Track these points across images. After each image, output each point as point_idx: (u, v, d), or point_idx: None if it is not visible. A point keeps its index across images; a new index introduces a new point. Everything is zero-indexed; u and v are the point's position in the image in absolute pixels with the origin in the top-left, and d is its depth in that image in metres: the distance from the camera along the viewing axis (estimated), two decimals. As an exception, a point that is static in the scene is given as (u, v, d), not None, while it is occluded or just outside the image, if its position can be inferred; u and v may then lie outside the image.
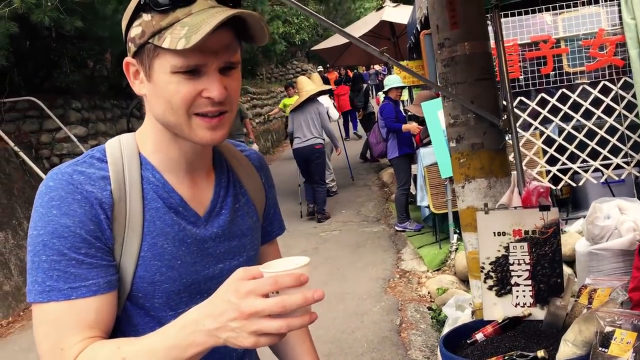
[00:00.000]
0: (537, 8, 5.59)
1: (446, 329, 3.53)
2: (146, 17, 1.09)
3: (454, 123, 3.09)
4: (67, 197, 1.08)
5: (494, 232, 2.77)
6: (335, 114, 10.40)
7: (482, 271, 2.39)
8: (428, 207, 6.56)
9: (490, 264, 2.41)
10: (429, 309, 5.13)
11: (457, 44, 3.02)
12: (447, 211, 5.93)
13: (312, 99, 8.54)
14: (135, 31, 1.11)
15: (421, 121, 7.66)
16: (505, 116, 3.00)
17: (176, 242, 1.16)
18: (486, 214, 2.79)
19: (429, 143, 6.36)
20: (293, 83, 12.61)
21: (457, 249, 5.82)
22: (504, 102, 3.00)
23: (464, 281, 5.42)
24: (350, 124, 16.56)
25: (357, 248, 7.17)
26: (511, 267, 2.39)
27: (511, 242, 2.61)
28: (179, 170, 1.21)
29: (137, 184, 1.16)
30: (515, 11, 5.63)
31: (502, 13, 5.29)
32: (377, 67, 22.08)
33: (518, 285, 2.34)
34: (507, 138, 3.08)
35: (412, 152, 7.42)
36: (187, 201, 1.20)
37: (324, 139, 8.54)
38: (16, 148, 8.05)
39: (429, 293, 5.42)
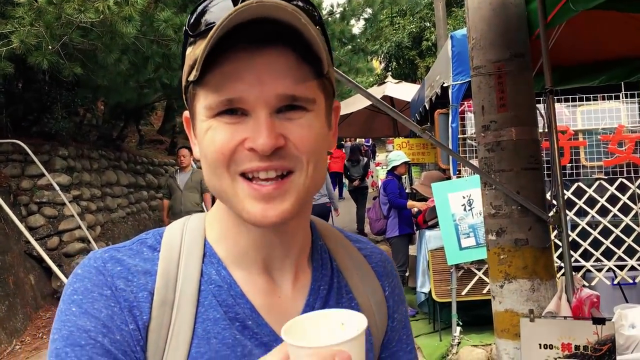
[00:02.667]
0: (555, 98, 5.45)
1: None
2: (189, 50, 0.82)
3: (496, 214, 2.79)
4: (93, 291, 0.80)
5: (540, 344, 2.51)
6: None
7: (526, 388, 2.13)
8: (425, 292, 6.20)
9: (535, 379, 2.10)
10: (430, 409, 4.67)
11: (504, 128, 2.77)
12: (451, 300, 5.56)
13: None
14: (185, 72, 0.83)
15: (421, 200, 7.42)
16: (555, 211, 2.72)
17: None
18: (531, 321, 2.52)
19: (434, 225, 6.06)
20: None
21: (459, 342, 5.42)
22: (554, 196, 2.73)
23: (468, 380, 5.01)
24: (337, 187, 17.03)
25: (347, 330, 6.68)
26: (558, 386, 2.09)
27: (559, 358, 2.36)
28: (252, 268, 0.87)
29: (192, 283, 0.84)
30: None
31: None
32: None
33: (566, 408, 2.08)
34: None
35: (412, 232, 7.14)
36: (262, 313, 0.86)
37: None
38: (-7, 192, 7.60)
39: (429, 391, 4.98)
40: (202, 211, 8.96)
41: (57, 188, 8.34)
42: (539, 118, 2.84)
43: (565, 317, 2.46)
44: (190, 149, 6.96)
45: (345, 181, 16.46)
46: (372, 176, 16.07)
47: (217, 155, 0.77)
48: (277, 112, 0.77)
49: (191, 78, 0.77)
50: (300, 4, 0.78)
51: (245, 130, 0.76)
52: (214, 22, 0.76)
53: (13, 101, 8.67)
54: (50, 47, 6.45)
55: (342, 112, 11.80)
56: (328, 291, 0.92)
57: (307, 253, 0.93)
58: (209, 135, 0.78)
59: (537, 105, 2.88)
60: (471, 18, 2.84)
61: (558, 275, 3.79)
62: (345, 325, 0.70)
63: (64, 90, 9.15)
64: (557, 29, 2.79)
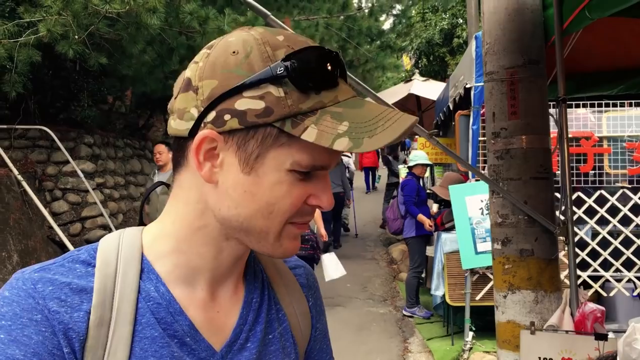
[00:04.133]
0: (581, 103, 5.33)
1: None
2: (275, 91, 0.78)
3: (502, 223, 2.74)
4: (22, 317, 0.76)
5: (540, 357, 2.47)
6: (353, 168, 13.51)
7: (522, 401, 2.10)
8: (440, 295, 6.14)
9: (532, 393, 2.05)
10: (437, 414, 4.63)
11: (515, 135, 2.71)
12: (465, 305, 5.50)
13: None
14: (250, 104, 0.78)
15: (441, 202, 7.34)
16: (563, 223, 2.66)
17: None
18: (532, 334, 2.48)
19: (452, 228, 5.99)
20: None
21: (471, 348, 5.36)
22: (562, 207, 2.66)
23: (477, 387, 4.95)
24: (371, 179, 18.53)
25: (360, 330, 6.67)
26: (556, 402, 2.04)
27: None
28: (197, 283, 0.88)
29: (129, 301, 0.82)
30: (551, 103, 5.36)
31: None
32: None
33: (563, 423, 2.04)
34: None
35: (430, 233, 7.06)
36: (200, 328, 0.86)
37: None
38: (19, 177, 7.75)
39: (437, 395, 4.93)
40: None
41: (82, 175, 8.49)
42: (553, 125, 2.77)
43: (567, 332, 2.41)
44: (167, 144, 6.69)
45: (379, 174, 18.56)
46: None
47: (290, 208, 0.83)
48: None
49: (310, 139, 0.77)
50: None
51: (310, 188, 0.83)
52: (321, 85, 0.80)
53: (41, 88, 8.81)
54: (76, 36, 6.53)
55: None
56: (260, 303, 0.95)
57: (243, 267, 0.96)
58: (284, 187, 0.81)
59: (551, 112, 2.81)
60: (486, 22, 2.78)
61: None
62: None
63: (91, 79, 9.27)
64: (574, 37, 2.71)
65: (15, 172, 7.79)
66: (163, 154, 6.90)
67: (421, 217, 6.84)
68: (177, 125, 0.84)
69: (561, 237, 2.66)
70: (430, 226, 6.61)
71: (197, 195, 0.85)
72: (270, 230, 0.83)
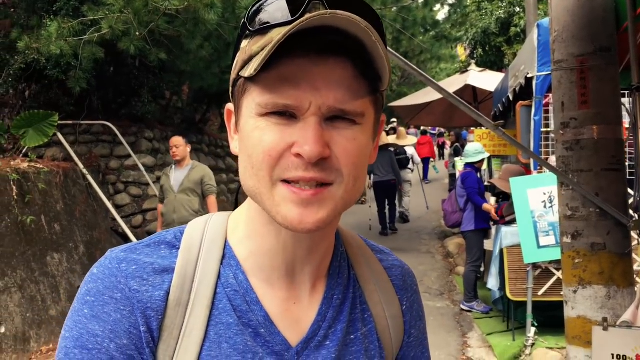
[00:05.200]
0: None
1: None
2: (244, 43, 0.80)
3: (572, 216, 2.66)
4: (105, 294, 0.79)
5: (613, 354, 2.39)
6: (418, 159, 14.05)
7: (594, 398, 2.03)
8: (500, 289, 6.01)
9: (606, 391, 2.01)
10: (499, 410, 4.55)
11: (585, 125, 2.63)
12: (527, 300, 5.37)
13: (389, 147, 11.19)
14: (235, 66, 0.82)
15: (498, 194, 7.18)
16: (638, 216, 2.57)
17: None
18: (604, 330, 2.39)
19: (512, 221, 5.86)
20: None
21: (533, 344, 5.24)
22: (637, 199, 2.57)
23: (540, 383, 4.84)
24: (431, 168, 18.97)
25: (418, 323, 6.60)
26: (630, 400, 1.99)
27: None
28: (273, 270, 0.85)
29: (209, 285, 0.83)
30: (625, 92, 5.15)
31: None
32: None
33: (636, 421, 1.96)
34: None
35: (488, 227, 6.92)
36: (275, 320, 0.84)
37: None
38: (84, 170, 8.03)
39: (498, 391, 4.84)
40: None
41: (142, 169, 8.74)
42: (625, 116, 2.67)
43: (642, 328, 2.33)
44: (184, 137, 6.46)
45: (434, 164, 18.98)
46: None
47: (264, 156, 0.75)
48: (326, 119, 0.75)
49: (246, 74, 0.75)
50: (371, 20, 0.76)
51: (293, 134, 0.74)
52: (268, 22, 0.76)
53: (104, 85, 9.10)
54: (137, 33, 6.71)
55: (421, 100, 11.65)
56: (342, 301, 0.90)
57: (328, 261, 0.91)
58: (256, 134, 0.76)
59: (623, 101, 2.71)
60: (554, 9, 2.70)
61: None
62: None
63: (150, 75, 9.51)
64: (649, 22, 2.60)
65: (81, 166, 8.07)
66: (180, 147, 6.22)
67: (487, 206, 6.70)
68: None
69: (635, 231, 2.57)
70: (496, 215, 6.45)
71: None
72: (260, 190, 0.77)
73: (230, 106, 0.86)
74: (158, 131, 9.84)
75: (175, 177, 6.19)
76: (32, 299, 6.18)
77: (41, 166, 7.15)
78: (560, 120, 2.70)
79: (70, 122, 8.48)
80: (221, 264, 0.85)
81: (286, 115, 0.75)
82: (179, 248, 0.84)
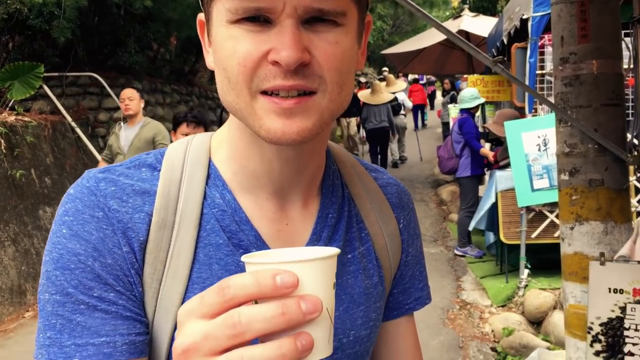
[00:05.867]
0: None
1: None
2: None
3: (570, 153, 2.63)
4: (84, 213, 0.75)
5: (609, 289, 2.41)
6: (409, 104, 14.40)
7: (589, 332, 2.11)
8: (493, 233, 6.06)
9: (601, 325, 2.11)
10: (493, 349, 4.63)
11: (585, 60, 2.56)
12: (520, 243, 5.41)
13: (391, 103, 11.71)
14: None
15: (492, 140, 7.16)
16: (636, 151, 2.54)
17: None
18: (601, 264, 2.41)
19: (506, 166, 5.85)
20: (369, 84, 13.89)
21: (526, 285, 5.30)
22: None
23: (534, 323, 4.92)
24: (419, 117, 19.05)
25: (412, 269, 6.68)
26: (626, 332, 2.07)
27: (629, 303, 2.31)
28: (261, 191, 0.82)
29: (194, 206, 0.79)
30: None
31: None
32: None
33: (633, 355, 2.00)
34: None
35: (483, 173, 6.93)
36: (267, 240, 0.81)
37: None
38: (73, 124, 7.93)
39: (492, 331, 4.92)
40: None
41: (132, 121, 8.61)
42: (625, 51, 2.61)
43: (638, 262, 2.34)
44: (138, 90, 5.92)
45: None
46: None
47: (239, 67, 0.69)
48: (304, 22, 0.69)
49: None
50: None
51: (268, 41, 0.68)
52: None
53: (89, 35, 8.87)
54: (122, -21, 6.51)
55: (413, 47, 11.49)
56: (337, 219, 0.87)
57: (318, 179, 0.87)
58: (229, 44, 0.70)
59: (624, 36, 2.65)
60: (554, -61, 2.60)
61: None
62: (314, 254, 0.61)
63: (136, 24, 9.29)
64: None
65: (69, 118, 7.96)
66: (134, 100, 5.48)
67: (484, 150, 6.70)
68: None
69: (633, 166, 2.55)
70: (493, 158, 6.44)
71: None
72: (239, 105, 0.72)
73: (201, 16, 0.80)
74: (147, 82, 9.68)
75: (126, 135, 5.46)
76: (26, 253, 6.18)
77: (29, 119, 7.04)
78: (559, 56, 2.63)
79: (56, 74, 8.31)
80: (206, 184, 0.81)
81: (259, 20, 0.69)
82: (159, 170, 0.81)
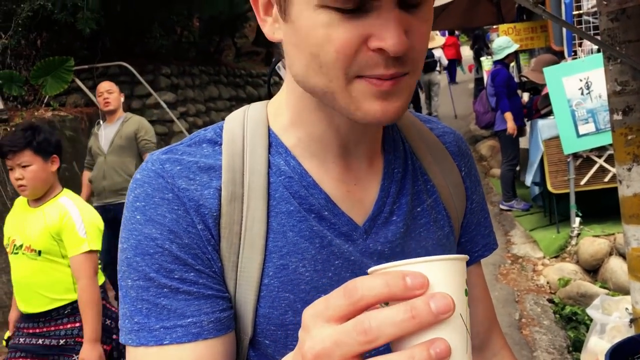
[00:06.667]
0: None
1: (593, 337, 2.99)
2: None
3: (622, 91, 2.51)
4: (155, 196, 0.75)
5: (674, 229, 2.29)
6: (445, 60, 14.53)
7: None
8: (538, 185, 5.91)
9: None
10: (550, 301, 4.56)
11: (632, -8, 2.43)
12: (569, 191, 5.28)
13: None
14: None
15: (530, 89, 6.94)
16: (695, 82, 2.41)
17: (318, 264, 0.78)
18: (665, 204, 2.29)
19: (548, 114, 5.68)
20: None
21: (579, 234, 5.18)
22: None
23: (589, 271, 4.82)
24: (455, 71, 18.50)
25: (458, 227, 6.61)
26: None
27: None
28: (327, 155, 0.81)
29: (261, 176, 0.78)
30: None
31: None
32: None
33: None
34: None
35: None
36: (337, 202, 0.80)
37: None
38: (107, 114, 7.99)
39: (547, 283, 4.84)
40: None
41: (165, 106, 8.65)
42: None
43: None
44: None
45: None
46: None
47: (337, 55, 0.66)
48: (400, 5, 0.66)
49: None
50: None
51: (367, 26, 0.65)
52: None
53: (114, 23, 8.90)
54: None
55: (440, 2, 11.21)
56: (403, 174, 0.87)
57: (380, 137, 0.86)
58: (321, 31, 0.66)
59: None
60: None
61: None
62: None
63: (158, 7, 9.26)
64: None
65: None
66: (114, 92, 4.95)
67: (508, 115, 6.47)
68: None
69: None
70: (513, 130, 6.33)
71: (287, 60, 0.76)
72: (332, 89, 0.69)
73: None
74: (175, 66, 9.69)
75: (105, 134, 4.90)
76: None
77: (65, 114, 7.12)
78: (604, -11, 2.50)
79: (86, 66, 8.36)
80: (269, 153, 0.80)
81: (353, 7, 0.64)
82: (220, 144, 0.80)
